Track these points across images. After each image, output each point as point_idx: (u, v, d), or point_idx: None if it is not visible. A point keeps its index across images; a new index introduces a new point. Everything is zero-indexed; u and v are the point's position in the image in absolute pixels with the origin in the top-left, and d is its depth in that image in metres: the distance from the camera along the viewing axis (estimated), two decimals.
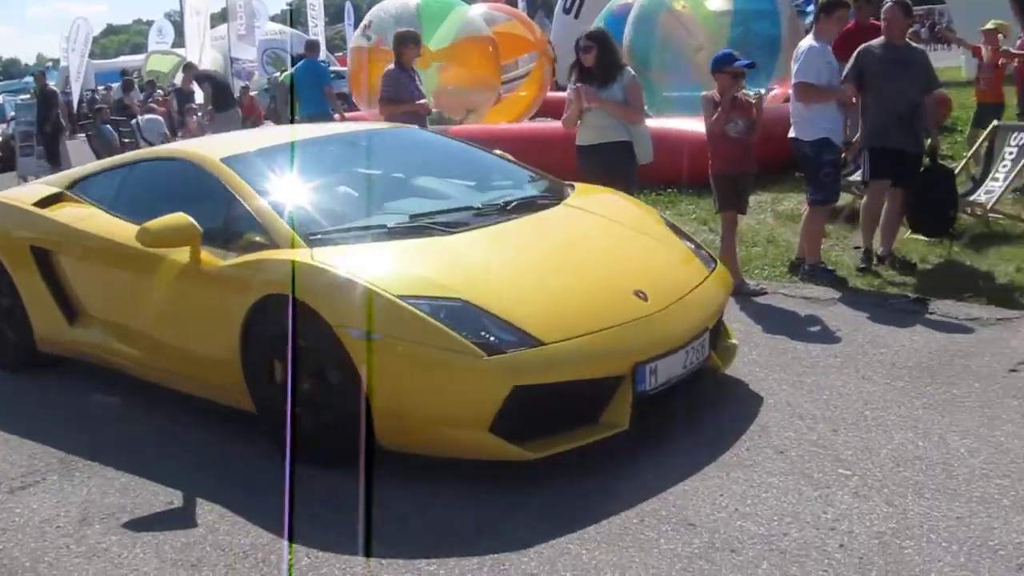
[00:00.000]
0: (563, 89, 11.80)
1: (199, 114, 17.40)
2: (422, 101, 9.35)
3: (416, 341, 4.12)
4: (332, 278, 4.34)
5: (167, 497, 4.34)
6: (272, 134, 6.43)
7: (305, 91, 13.14)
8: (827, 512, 3.77)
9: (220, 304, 4.76)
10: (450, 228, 4.86)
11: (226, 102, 15.66)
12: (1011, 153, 8.43)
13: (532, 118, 14.92)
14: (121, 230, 5.39)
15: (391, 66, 9.44)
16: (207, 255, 4.87)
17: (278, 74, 21.75)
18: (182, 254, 4.92)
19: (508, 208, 5.23)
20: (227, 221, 5.03)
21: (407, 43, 9.39)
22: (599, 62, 6.91)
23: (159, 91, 24.06)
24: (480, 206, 5.26)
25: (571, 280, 4.61)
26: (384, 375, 4.14)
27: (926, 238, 7.84)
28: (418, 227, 4.87)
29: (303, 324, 4.30)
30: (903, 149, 7.09)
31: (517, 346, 4.10)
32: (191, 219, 4.81)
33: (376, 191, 5.60)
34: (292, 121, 13.40)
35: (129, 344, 5.41)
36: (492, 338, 4.10)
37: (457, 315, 4.16)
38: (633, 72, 7.15)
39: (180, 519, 4.14)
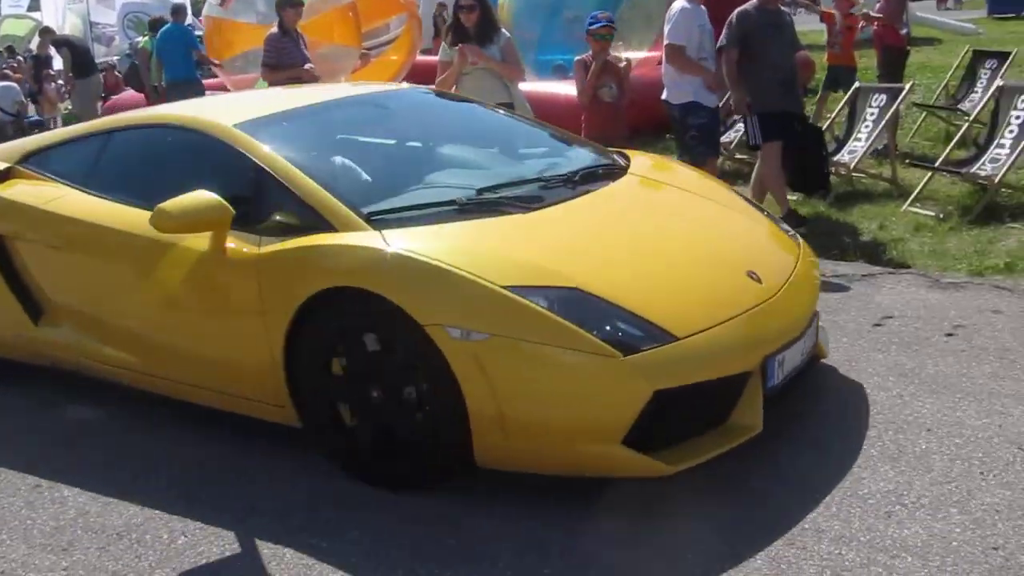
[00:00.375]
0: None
1: (58, 81, 16.72)
2: (308, 66, 8.98)
3: (533, 340, 3.47)
4: (419, 266, 3.65)
5: (33, 481, 4.17)
6: (279, 96, 5.71)
7: (170, 56, 12.73)
8: (701, 470, 3.83)
9: (257, 300, 3.98)
10: (527, 204, 4.21)
11: (86, 68, 15.05)
12: (872, 114, 8.72)
13: (402, 82, 14.74)
14: (106, 211, 4.61)
15: (274, 30, 9.07)
16: (233, 241, 4.10)
17: (140, 39, 21.00)
18: (198, 240, 4.15)
19: (576, 180, 4.56)
20: (254, 199, 4.22)
21: (288, 6, 9.06)
22: (479, 23, 6.87)
23: (18, 57, 23.01)
24: (547, 178, 4.57)
25: (680, 262, 4.04)
26: (489, 381, 3.49)
27: (803, 196, 8.04)
28: (490, 203, 4.20)
29: (379, 323, 3.72)
30: (789, 111, 7.25)
31: (649, 342, 3.51)
32: (219, 198, 4.02)
33: (419, 161, 4.95)
34: (157, 88, 12.99)
35: (119, 348, 4.58)
36: (620, 334, 3.51)
37: (575, 307, 3.54)
38: (508, 34, 7.13)
39: (48, 503, 3.98)
